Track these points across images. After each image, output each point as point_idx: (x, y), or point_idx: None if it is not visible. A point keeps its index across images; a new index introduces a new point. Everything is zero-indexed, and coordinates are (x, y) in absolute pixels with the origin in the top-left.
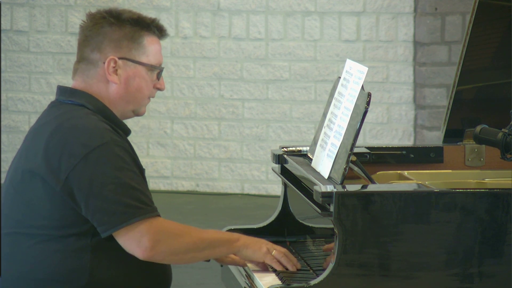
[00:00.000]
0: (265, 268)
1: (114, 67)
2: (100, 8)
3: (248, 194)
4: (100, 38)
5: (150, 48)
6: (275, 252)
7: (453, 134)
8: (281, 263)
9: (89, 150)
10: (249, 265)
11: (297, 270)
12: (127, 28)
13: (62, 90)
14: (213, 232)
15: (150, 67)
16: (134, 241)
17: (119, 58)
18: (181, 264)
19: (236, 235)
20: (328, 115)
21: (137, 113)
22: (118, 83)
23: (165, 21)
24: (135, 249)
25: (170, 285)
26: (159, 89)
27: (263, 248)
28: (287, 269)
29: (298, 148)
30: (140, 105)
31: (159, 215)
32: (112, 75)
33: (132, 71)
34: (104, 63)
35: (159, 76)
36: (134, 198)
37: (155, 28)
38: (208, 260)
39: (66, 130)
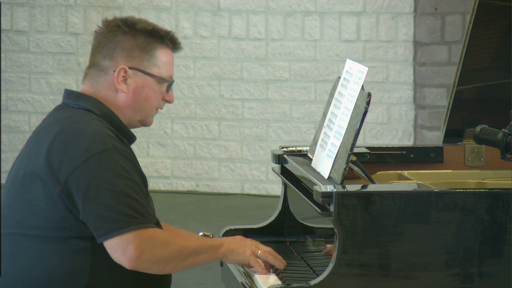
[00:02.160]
0: (247, 266)
1: (124, 76)
2: (116, 16)
3: (248, 194)
4: (113, 46)
5: (162, 60)
6: (261, 252)
7: (453, 134)
8: (268, 262)
9: (90, 155)
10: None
11: (297, 270)
12: (140, 39)
13: (69, 94)
14: (196, 240)
15: (160, 79)
16: (120, 249)
17: (130, 68)
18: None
19: (219, 240)
20: (328, 115)
21: (144, 123)
22: (127, 92)
23: (165, 21)
24: (120, 257)
25: (170, 286)
26: (167, 101)
27: (247, 251)
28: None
29: (298, 148)
30: (147, 115)
31: (153, 227)
32: (121, 84)
33: (141, 82)
34: (114, 71)
35: (168, 88)
36: (129, 206)
37: (169, 41)
38: None
39: (69, 134)
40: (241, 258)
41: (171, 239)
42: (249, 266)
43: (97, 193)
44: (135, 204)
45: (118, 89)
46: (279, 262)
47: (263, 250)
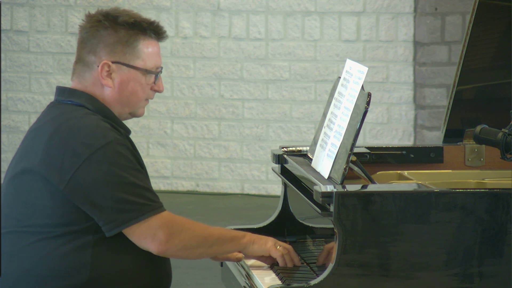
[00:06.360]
0: (266, 263)
1: (108, 71)
2: (100, 8)
3: (248, 194)
4: (95, 41)
5: (146, 52)
6: (280, 247)
7: (453, 134)
8: (284, 258)
9: (93, 151)
10: (248, 263)
11: (297, 270)
12: (121, 33)
13: (61, 90)
14: (220, 229)
15: (145, 72)
16: (149, 235)
17: (113, 62)
18: (186, 262)
19: (241, 232)
20: (328, 115)
21: (134, 115)
22: (112, 87)
23: (165, 21)
24: (149, 243)
25: (170, 284)
26: (157, 91)
27: (269, 243)
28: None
29: (298, 148)
30: (136, 107)
31: (165, 210)
32: (105, 79)
33: (126, 76)
34: (98, 66)
35: (156, 78)
36: (140, 195)
37: (152, 32)
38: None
39: (67, 130)
40: (262, 249)
41: (197, 225)
42: (266, 260)
43: (106, 187)
44: (144, 192)
45: (103, 84)
46: (292, 263)
47: (283, 246)
